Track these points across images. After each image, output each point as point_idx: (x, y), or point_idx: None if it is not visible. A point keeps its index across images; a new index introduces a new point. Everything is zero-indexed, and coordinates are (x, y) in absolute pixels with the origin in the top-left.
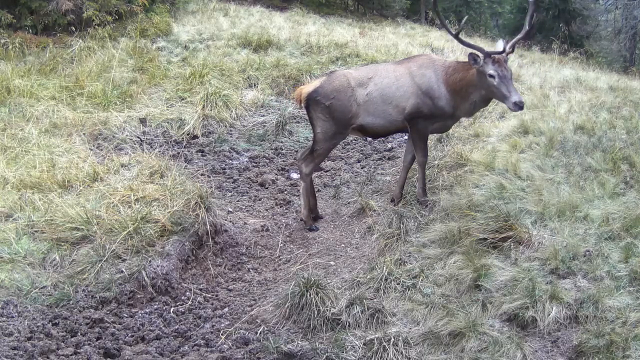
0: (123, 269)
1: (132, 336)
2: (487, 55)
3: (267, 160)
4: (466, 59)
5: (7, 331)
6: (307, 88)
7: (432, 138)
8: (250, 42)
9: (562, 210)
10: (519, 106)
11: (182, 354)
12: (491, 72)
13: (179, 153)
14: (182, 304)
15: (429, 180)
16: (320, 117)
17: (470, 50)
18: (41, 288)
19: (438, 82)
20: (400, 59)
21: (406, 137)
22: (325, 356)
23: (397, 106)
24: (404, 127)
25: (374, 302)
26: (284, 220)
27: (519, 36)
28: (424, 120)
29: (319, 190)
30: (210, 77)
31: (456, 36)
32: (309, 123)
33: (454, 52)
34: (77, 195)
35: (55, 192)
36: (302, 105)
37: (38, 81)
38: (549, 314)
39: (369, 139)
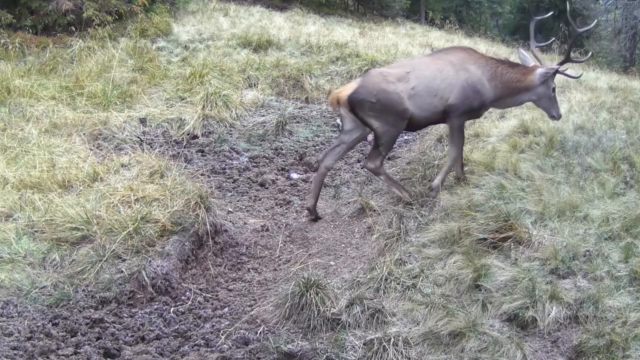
0: (123, 269)
1: (132, 336)
2: (557, 71)
3: (267, 160)
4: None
5: (7, 331)
6: (344, 92)
7: (432, 138)
8: (250, 42)
9: (562, 210)
10: (557, 119)
11: (182, 354)
12: (554, 86)
13: (179, 153)
14: (182, 304)
15: (429, 180)
16: (372, 114)
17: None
18: (41, 288)
19: (483, 77)
20: (434, 52)
21: (406, 137)
22: (325, 356)
23: (441, 98)
24: (444, 119)
25: (374, 302)
26: (284, 220)
27: (562, 61)
28: (464, 112)
29: None
30: (210, 77)
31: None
32: (308, 123)
33: None
34: (77, 195)
35: (55, 192)
36: (343, 109)
37: (38, 81)
38: (549, 314)
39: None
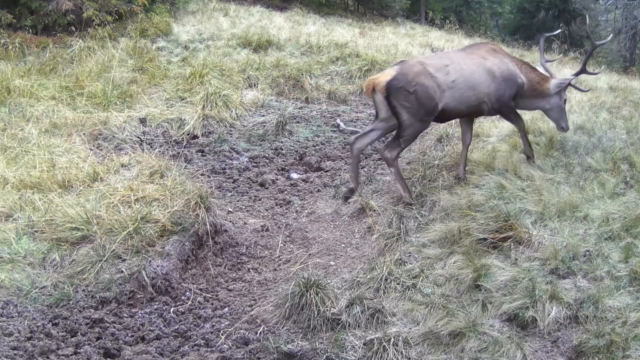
0: (123, 269)
1: (132, 336)
2: (570, 83)
3: (267, 160)
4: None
5: (7, 331)
6: (382, 78)
7: (432, 138)
8: (250, 42)
9: (562, 210)
10: (565, 130)
11: (182, 354)
12: (566, 97)
13: (179, 153)
14: (182, 304)
15: (429, 180)
16: (405, 104)
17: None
18: (41, 288)
19: (517, 68)
20: (465, 47)
21: None
22: (325, 356)
23: (480, 93)
24: (478, 112)
25: (374, 302)
26: (284, 220)
27: (576, 72)
28: (507, 103)
29: (319, 190)
30: (210, 77)
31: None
32: (308, 123)
33: None
34: (77, 195)
35: (55, 192)
36: (379, 95)
37: (38, 81)
38: (549, 314)
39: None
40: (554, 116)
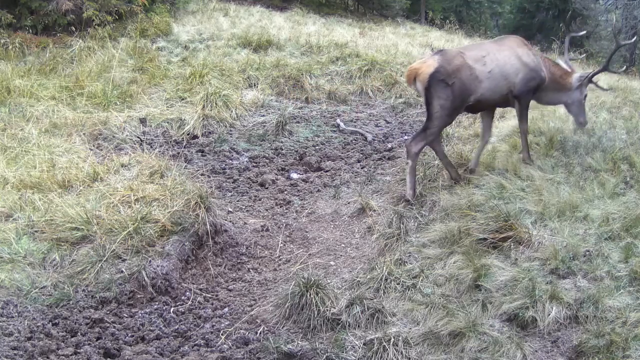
0: (123, 269)
1: (132, 336)
2: (590, 79)
3: (267, 160)
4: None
5: (7, 331)
6: (425, 68)
7: None
8: (250, 42)
9: (562, 210)
10: (583, 125)
11: (182, 354)
12: (586, 93)
13: (179, 153)
14: (182, 304)
15: (429, 180)
16: (441, 96)
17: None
18: (41, 288)
19: (541, 62)
20: (494, 40)
21: (405, 137)
22: (325, 356)
23: (510, 82)
24: (505, 102)
25: (374, 302)
26: (284, 220)
27: (599, 69)
28: (529, 91)
29: (319, 190)
30: (210, 77)
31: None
32: (308, 123)
33: None
34: (77, 195)
35: (55, 192)
36: (420, 85)
37: (38, 81)
38: (549, 314)
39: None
40: (574, 110)
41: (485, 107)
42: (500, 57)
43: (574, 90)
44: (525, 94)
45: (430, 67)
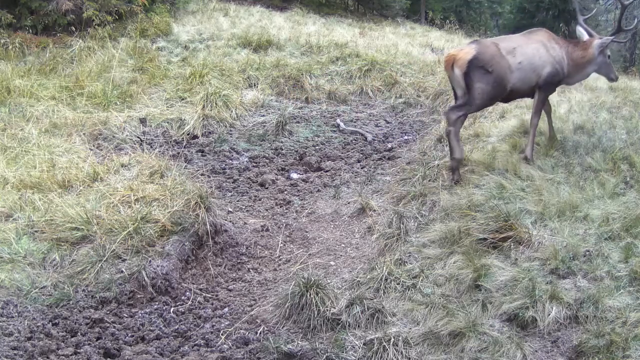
0: (123, 269)
1: (132, 336)
2: (612, 40)
3: (267, 160)
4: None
5: (7, 331)
6: (463, 55)
7: (432, 138)
8: (250, 42)
9: (562, 210)
10: (615, 80)
11: (182, 354)
12: (609, 53)
13: (179, 153)
14: (182, 304)
15: (429, 180)
16: (482, 80)
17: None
18: (41, 288)
19: (563, 54)
20: (522, 33)
21: (406, 138)
22: (325, 356)
23: (538, 74)
24: (532, 93)
25: (374, 302)
26: (284, 220)
27: (613, 31)
28: (551, 85)
29: (319, 190)
30: (210, 77)
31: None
32: (308, 123)
33: None
34: (77, 195)
35: (55, 192)
36: (458, 71)
37: (38, 81)
38: (549, 314)
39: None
40: (603, 72)
41: (515, 97)
42: (529, 50)
43: (597, 56)
44: (547, 87)
45: (468, 53)
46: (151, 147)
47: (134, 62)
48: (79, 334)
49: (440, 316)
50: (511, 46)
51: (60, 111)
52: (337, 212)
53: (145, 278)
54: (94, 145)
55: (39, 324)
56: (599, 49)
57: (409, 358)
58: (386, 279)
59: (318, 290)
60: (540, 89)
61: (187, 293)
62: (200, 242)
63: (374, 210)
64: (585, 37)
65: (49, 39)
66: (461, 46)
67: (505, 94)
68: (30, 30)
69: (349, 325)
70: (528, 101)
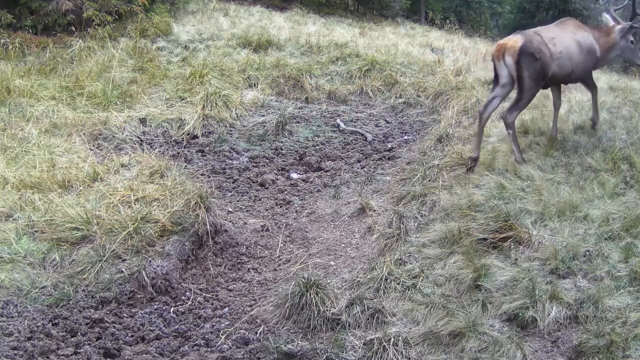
0: (123, 269)
1: (132, 336)
2: (632, 26)
3: (267, 160)
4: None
5: (7, 331)
6: (513, 43)
7: (432, 138)
8: (250, 42)
9: (562, 210)
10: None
11: (182, 354)
12: (632, 38)
13: (179, 153)
14: (182, 304)
15: (429, 180)
16: (530, 68)
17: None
18: (41, 288)
19: (593, 42)
20: (555, 23)
21: (406, 138)
22: (325, 356)
23: (573, 62)
24: (568, 80)
25: (374, 302)
26: (284, 220)
27: (631, 16)
28: (588, 72)
29: (319, 190)
30: (210, 77)
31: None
32: (308, 123)
33: (454, 52)
34: (77, 195)
35: (55, 192)
36: (508, 59)
37: (38, 81)
38: (549, 314)
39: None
40: (627, 56)
41: (554, 84)
42: (566, 39)
43: (620, 41)
44: (585, 74)
45: (517, 42)
46: (151, 147)
47: (134, 62)
48: (79, 334)
49: (440, 316)
50: (550, 36)
51: (60, 111)
52: (337, 212)
53: (145, 278)
54: (94, 145)
55: (39, 324)
56: (620, 34)
57: (409, 358)
58: (386, 279)
59: (318, 290)
60: (581, 78)
61: (187, 293)
62: (200, 242)
63: (374, 210)
64: (611, 23)
65: (49, 39)
66: (508, 37)
67: (545, 80)
68: (30, 30)
69: (349, 325)
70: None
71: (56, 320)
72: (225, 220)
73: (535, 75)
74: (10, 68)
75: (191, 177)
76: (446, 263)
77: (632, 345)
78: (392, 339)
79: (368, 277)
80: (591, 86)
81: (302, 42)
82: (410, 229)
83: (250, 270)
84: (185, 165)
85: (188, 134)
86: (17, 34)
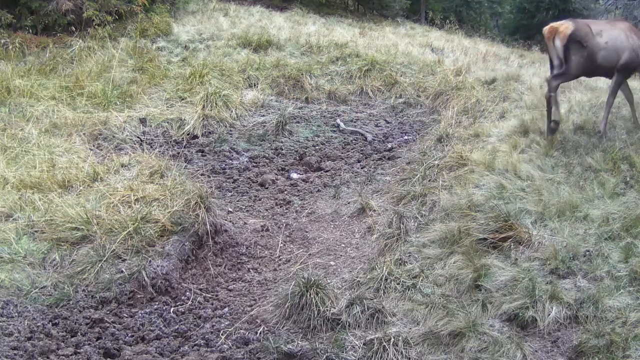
0: (123, 269)
1: (132, 336)
2: None
3: (267, 160)
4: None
5: (7, 331)
6: (564, 29)
7: (432, 138)
8: (250, 42)
9: (562, 210)
10: None
11: (182, 354)
12: None
13: (179, 153)
14: (182, 304)
15: (429, 180)
16: (577, 53)
17: None
18: (41, 288)
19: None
20: (607, 21)
21: (406, 138)
22: (325, 356)
23: (618, 56)
24: (612, 73)
25: (374, 302)
26: (284, 220)
27: None
28: (628, 69)
29: (319, 190)
30: (210, 77)
31: None
32: (308, 123)
33: (454, 52)
34: (77, 195)
35: (55, 192)
36: (558, 41)
37: (38, 81)
38: (549, 314)
39: None
40: None
41: (597, 74)
42: (613, 34)
43: None
44: (625, 70)
45: (568, 28)
46: (151, 147)
47: (134, 62)
48: (79, 334)
49: (440, 316)
50: (599, 28)
51: (60, 111)
52: (337, 212)
53: (145, 278)
54: (94, 145)
55: (39, 324)
56: None
57: (409, 358)
58: (386, 279)
59: (318, 290)
60: (619, 71)
61: (187, 293)
62: (200, 242)
63: (374, 210)
64: None
65: (49, 39)
66: (559, 21)
67: (592, 68)
68: (30, 30)
69: (349, 325)
70: (528, 101)
71: (56, 320)
72: (225, 220)
73: (582, 61)
74: (10, 68)
75: (191, 177)
76: (446, 263)
77: (632, 345)
78: (392, 339)
79: (368, 277)
80: (614, 88)
81: (302, 42)
82: (410, 229)
83: (250, 270)
84: (185, 165)
85: (188, 134)
86: (17, 34)
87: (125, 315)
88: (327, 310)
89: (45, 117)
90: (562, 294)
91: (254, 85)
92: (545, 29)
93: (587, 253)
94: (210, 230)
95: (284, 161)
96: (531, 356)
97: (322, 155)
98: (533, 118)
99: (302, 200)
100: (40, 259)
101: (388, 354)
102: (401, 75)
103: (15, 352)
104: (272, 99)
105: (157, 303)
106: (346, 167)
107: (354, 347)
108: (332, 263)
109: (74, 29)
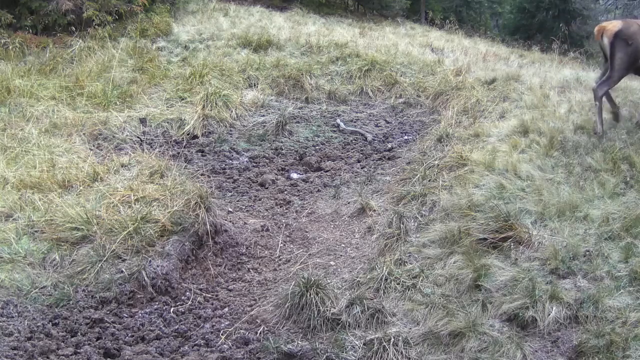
0: (123, 269)
1: (132, 336)
2: None
3: (267, 160)
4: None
5: (7, 331)
6: (611, 27)
7: (432, 138)
8: (250, 42)
9: (562, 210)
10: None
11: (182, 354)
12: None
13: (179, 153)
14: (182, 304)
15: (429, 180)
16: (622, 51)
17: None
18: (41, 288)
19: None
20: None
21: (406, 138)
22: (325, 356)
23: None
24: None
25: (374, 302)
26: (284, 220)
27: None
28: None
29: (319, 190)
30: (210, 77)
31: None
32: (308, 123)
33: (454, 52)
34: (77, 195)
35: (55, 192)
36: (606, 39)
37: (38, 81)
38: (549, 314)
39: None
40: None
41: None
42: None
43: None
44: None
45: (615, 27)
46: (151, 147)
47: (134, 62)
48: (79, 334)
49: (440, 316)
50: None
51: (60, 111)
52: (337, 212)
53: (145, 278)
54: (94, 145)
55: (39, 324)
56: None
57: (409, 358)
58: (386, 279)
59: (318, 290)
60: None
61: (187, 293)
62: (200, 242)
63: (374, 210)
64: None
65: (49, 39)
66: (609, 21)
67: (635, 66)
68: (30, 30)
69: (349, 325)
70: (528, 101)
71: (56, 320)
72: (225, 220)
73: (627, 59)
74: (10, 68)
75: (191, 177)
76: (446, 263)
77: (632, 345)
78: (392, 339)
79: (368, 277)
80: None
81: (302, 42)
82: (410, 229)
83: (250, 270)
84: (185, 165)
85: (188, 134)
86: (17, 34)
87: (125, 315)
88: (327, 310)
89: (45, 117)
90: (562, 294)
91: (254, 85)
92: (595, 29)
93: (587, 253)
94: (210, 230)
95: (284, 161)
96: (531, 356)
97: (322, 155)
98: (533, 118)
99: (302, 200)
100: (40, 259)
101: (388, 354)
102: (401, 75)
103: (15, 352)
104: (272, 99)
105: (157, 303)
106: (346, 167)
107: (354, 347)
108: (332, 263)
109: (74, 29)
